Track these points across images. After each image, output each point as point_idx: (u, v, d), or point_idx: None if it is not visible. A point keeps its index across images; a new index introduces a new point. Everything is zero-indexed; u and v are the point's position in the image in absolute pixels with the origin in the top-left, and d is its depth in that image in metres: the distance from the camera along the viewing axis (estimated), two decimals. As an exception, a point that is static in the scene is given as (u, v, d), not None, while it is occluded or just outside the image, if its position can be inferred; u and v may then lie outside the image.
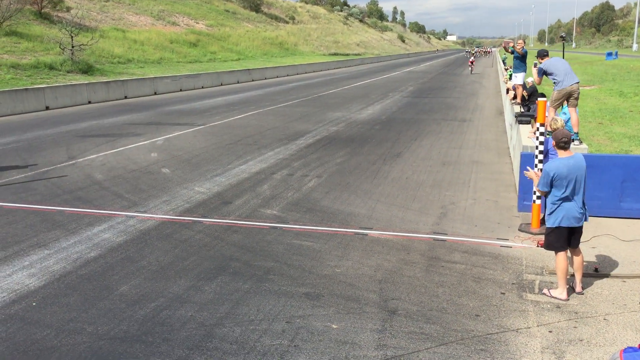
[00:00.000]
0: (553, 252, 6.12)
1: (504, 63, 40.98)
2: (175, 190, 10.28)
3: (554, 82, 9.49)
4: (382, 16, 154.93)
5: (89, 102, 25.65)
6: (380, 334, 5.24)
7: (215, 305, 5.81)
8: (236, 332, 5.26)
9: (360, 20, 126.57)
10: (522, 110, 14.04)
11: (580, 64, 49.67)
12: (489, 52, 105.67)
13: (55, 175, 11.45)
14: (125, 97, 28.02)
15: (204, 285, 6.28)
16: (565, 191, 5.82)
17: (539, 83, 11.71)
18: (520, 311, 5.70)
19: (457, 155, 13.67)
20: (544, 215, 6.35)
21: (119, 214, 8.85)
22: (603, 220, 8.36)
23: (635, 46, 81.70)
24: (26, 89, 22.92)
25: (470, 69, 50.64)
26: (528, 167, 7.10)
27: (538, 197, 7.80)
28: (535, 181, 6.66)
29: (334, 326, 5.39)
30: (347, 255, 7.17)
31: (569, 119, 9.70)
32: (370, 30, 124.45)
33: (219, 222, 8.50)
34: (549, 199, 5.96)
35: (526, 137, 10.58)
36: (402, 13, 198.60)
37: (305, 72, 52.45)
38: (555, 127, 7.25)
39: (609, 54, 56.31)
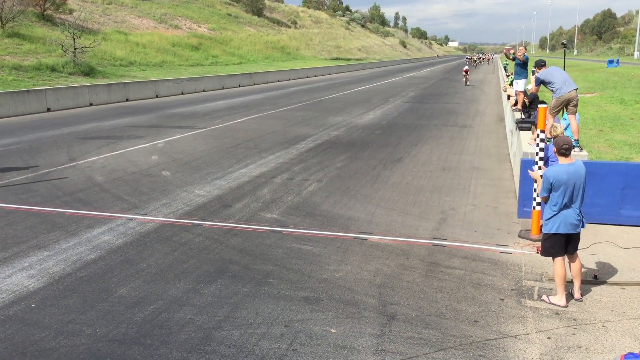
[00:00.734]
0: (551, 259, 6.12)
1: (505, 69, 41.03)
2: (176, 193, 10.29)
3: (552, 90, 9.53)
4: (384, 22, 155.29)
5: (91, 104, 25.70)
6: (379, 339, 5.24)
7: (214, 308, 5.81)
8: (235, 336, 5.26)
9: (362, 26, 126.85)
10: (523, 116, 14.05)
11: (582, 71, 49.73)
12: (489, 58, 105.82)
13: (56, 177, 11.46)
14: (127, 100, 28.08)
15: (203, 288, 6.28)
16: (564, 198, 5.83)
17: (536, 92, 11.75)
18: (519, 317, 5.69)
19: (457, 160, 13.68)
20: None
21: (118, 216, 8.86)
22: (603, 227, 8.36)
23: (636, 54, 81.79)
24: (28, 91, 22.96)
25: (464, 79, 43.28)
26: (533, 167, 7.12)
27: (538, 204, 7.80)
28: (539, 181, 6.67)
29: (333, 330, 5.39)
30: (346, 260, 7.18)
31: (569, 125, 9.72)
32: (372, 36, 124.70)
33: (218, 225, 8.50)
34: (548, 205, 5.97)
35: (526, 143, 10.59)
36: (404, 19, 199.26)
37: (307, 77, 52.55)
38: (555, 134, 7.27)
39: (610, 62, 56.38)
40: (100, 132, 17.48)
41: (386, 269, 6.89)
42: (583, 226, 5.99)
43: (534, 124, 10.87)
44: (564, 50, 14.43)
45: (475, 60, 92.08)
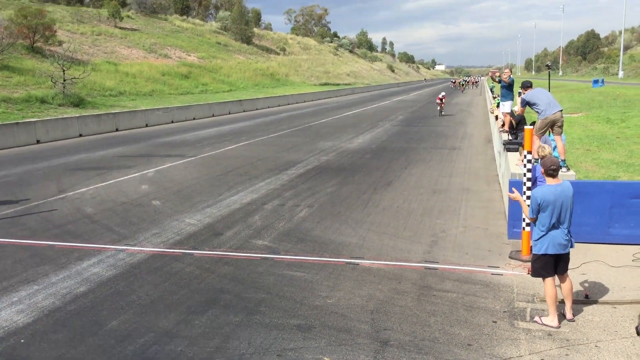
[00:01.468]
0: (542, 279, 6.13)
1: (492, 92, 41.51)
2: (166, 223, 10.26)
3: (537, 112, 9.66)
4: (371, 47, 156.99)
5: (80, 135, 25.68)
6: (372, 366, 5.20)
7: (206, 339, 5.75)
8: (227, 366, 5.21)
9: (350, 51, 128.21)
10: (510, 138, 14.18)
11: (567, 92, 50.38)
12: (475, 82, 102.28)
13: (46, 210, 11.40)
14: (117, 130, 28.09)
15: (194, 319, 6.23)
16: (551, 218, 5.87)
17: (522, 113, 11.90)
18: (512, 340, 5.68)
19: (447, 183, 13.75)
20: None
21: (108, 248, 8.81)
22: (592, 247, 8.40)
23: (621, 73, 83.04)
24: (17, 123, 22.93)
25: (438, 108, 35.50)
26: (513, 189, 7.16)
27: (527, 224, 7.84)
28: (523, 205, 6.72)
29: (326, 358, 5.35)
30: (338, 286, 7.15)
31: (555, 146, 9.82)
32: (360, 61, 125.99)
33: (209, 254, 8.47)
34: (536, 226, 6.01)
35: (514, 164, 10.68)
36: (391, 44, 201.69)
37: (297, 102, 52.86)
38: (543, 154, 7.34)
39: (596, 82, 57.17)
40: (90, 163, 17.45)
41: (378, 294, 6.87)
42: (572, 246, 6.02)
43: (521, 145, 10.97)
44: (549, 71, 14.64)
45: (462, 84, 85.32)
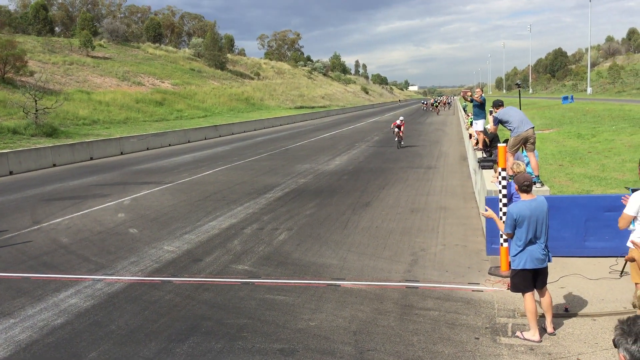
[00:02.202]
0: (521, 294, 6.20)
1: (465, 111, 42.15)
2: (144, 250, 10.14)
3: (510, 129, 9.85)
4: (345, 70, 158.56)
5: (54, 165, 25.35)
6: (357, 387, 5.17)
7: (188, 367, 5.67)
8: (210, 394, 5.13)
9: (324, 74, 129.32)
10: (485, 155, 14.39)
11: (538, 109, 51.41)
12: (445, 102, 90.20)
13: (20, 241, 11.18)
14: (91, 159, 27.80)
15: (175, 347, 6.14)
16: (527, 233, 5.96)
17: (495, 131, 12.10)
18: (495, 355, 5.71)
19: (424, 202, 13.87)
20: None
21: (86, 278, 8.66)
22: (569, 260, 8.52)
23: (589, 89, 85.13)
24: (-11, 154, 22.56)
25: (396, 139, 27.86)
26: (486, 207, 7.26)
27: (505, 240, 7.93)
28: (497, 222, 6.81)
29: (310, 382, 5.30)
30: (320, 308, 7.13)
31: (528, 163, 10.00)
32: (334, 84, 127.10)
33: (189, 280, 8.38)
34: (513, 241, 6.10)
35: (489, 181, 10.83)
36: (364, 66, 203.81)
37: (272, 126, 53.00)
38: (518, 170, 7.47)
39: (565, 98, 58.43)
40: (64, 193, 17.21)
41: (361, 315, 6.86)
42: (549, 260, 6.11)
43: (496, 162, 11.14)
44: (519, 89, 14.95)
45: (435, 105, 77.11)
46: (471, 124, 20.19)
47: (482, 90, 16.53)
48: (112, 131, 35.51)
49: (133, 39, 77.45)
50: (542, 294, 6.18)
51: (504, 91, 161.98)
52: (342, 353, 5.87)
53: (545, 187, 10.29)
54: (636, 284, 5.79)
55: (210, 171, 21.08)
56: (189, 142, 37.24)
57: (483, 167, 12.72)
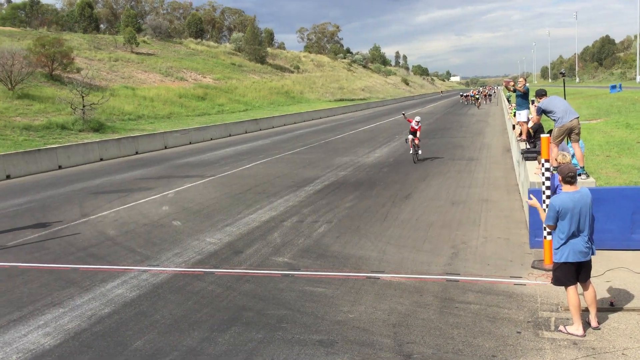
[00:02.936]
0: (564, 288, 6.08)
1: (509, 101, 41.31)
2: (187, 242, 10.35)
3: (554, 120, 9.61)
4: (385, 61, 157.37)
5: (101, 160, 26.08)
6: (396, 379, 5.18)
7: (229, 356, 5.79)
8: (251, 383, 5.22)
9: (364, 66, 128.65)
10: (528, 146, 14.10)
11: (585, 98, 49.95)
12: (485, 94, 75.33)
13: (69, 234, 11.57)
14: (137, 153, 28.47)
15: (217, 337, 6.27)
16: (570, 226, 5.83)
17: (538, 122, 11.82)
18: (536, 350, 5.63)
19: (466, 194, 13.70)
20: None
21: (131, 269, 8.91)
22: (615, 254, 8.29)
23: (638, 78, 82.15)
24: (39, 150, 23.38)
25: (411, 151, 20.21)
26: (531, 195, 7.12)
27: (549, 233, 7.78)
28: (541, 212, 6.68)
29: (349, 373, 5.34)
30: (359, 300, 7.15)
31: (573, 154, 9.76)
32: (374, 75, 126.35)
33: (230, 272, 8.53)
34: (556, 234, 5.97)
35: (533, 173, 10.62)
36: (405, 57, 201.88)
37: (312, 119, 53.12)
38: (564, 161, 7.29)
39: (613, 87, 56.54)
40: (111, 186, 17.70)
41: (400, 308, 6.85)
42: (593, 253, 5.97)
43: (539, 153, 10.92)
44: (563, 79, 14.57)
45: (477, 97, 65.17)
46: (514, 115, 19.80)
47: (526, 80, 16.16)
48: (156, 126, 36.26)
49: (175, 35, 78.82)
50: (585, 288, 6.04)
51: (550, 80, 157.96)
52: (381, 345, 5.88)
53: (591, 179, 10.02)
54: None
55: (251, 164, 21.32)
56: (229, 135, 37.70)
57: (526, 159, 12.47)
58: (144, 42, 63.25)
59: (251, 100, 58.31)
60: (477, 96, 66.93)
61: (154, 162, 24.31)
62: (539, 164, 9.76)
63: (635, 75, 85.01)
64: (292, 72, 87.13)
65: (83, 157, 25.23)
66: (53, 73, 39.18)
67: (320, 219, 11.74)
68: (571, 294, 5.90)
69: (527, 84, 15.93)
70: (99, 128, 31.32)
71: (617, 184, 12.49)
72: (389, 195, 13.92)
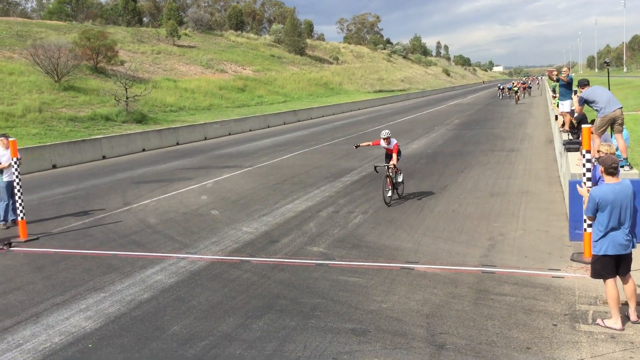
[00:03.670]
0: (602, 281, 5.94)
1: (554, 91, 40.27)
2: (224, 231, 10.52)
3: (596, 110, 9.36)
4: (425, 51, 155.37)
5: (143, 150, 26.65)
6: (428, 369, 5.17)
7: (263, 342, 5.88)
8: (283, 369, 5.29)
9: (404, 57, 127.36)
10: (571, 137, 13.77)
11: (632, 88, 48.30)
12: (525, 87, 63.50)
13: (111, 221, 11.90)
14: (177, 144, 28.98)
15: (251, 323, 6.37)
16: (610, 218, 5.69)
17: (581, 112, 11.53)
18: (572, 343, 5.53)
19: (505, 185, 13.48)
20: None
21: (170, 256, 9.12)
22: (660, 247, 8.03)
23: (691, 66, 78.90)
24: (84, 140, 24.06)
25: (386, 180, 12.32)
26: (583, 183, 6.96)
27: (589, 225, 7.59)
28: (586, 199, 6.53)
29: (381, 361, 5.35)
30: (393, 290, 7.15)
31: (616, 146, 9.48)
32: (415, 66, 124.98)
33: (266, 260, 8.63)
34: (595, 226, 5.83)
35: (574, 164, 10.37)
36: (446, 47, 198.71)
37: (351, 110, 52.98)
38: (609, 151, 7.08)
39: (663, 76, 54.47)
40: (152, 176, 18.09)
41: (434, 298, 6.82)
42: (634, 246, 5.81)
43: (582, 144, 10.65)
44: (608, 69, 14.15)
45: (515, 91, 52.98)
46: (557, 105, 19.33)
47: (569, 70, 15.75)
48: (196, 117, 36.80)
49: (216, 27, 79.57)
50: (625, 281, 5.89)
51: (596, 70, 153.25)
52: (414, 335, 5.87)
53: (635, 170, 9.72)
54: None
55: (289, 155, 21.44)
56: (268, 127, 37.97)
57: (568, 150, 12.19)
58: (186, 34, 64.10)
59: (290, 91, 58.53)
60: (516, 89, 53.56)
61: (194, 152, 24.71)
62: (581, 154, 9.54)
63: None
64: (331, 63, 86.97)
65: (126, 147, 25.84)
66: (97, 66, 40.15)
67: (356, 210, 11.74)
68: (610, 287, 5.76)
69: (572, 74, 15.53)
70: (141, 119, 32.00)
71: (664, 176, 12.08)
72: (426, 186, 13.80)
